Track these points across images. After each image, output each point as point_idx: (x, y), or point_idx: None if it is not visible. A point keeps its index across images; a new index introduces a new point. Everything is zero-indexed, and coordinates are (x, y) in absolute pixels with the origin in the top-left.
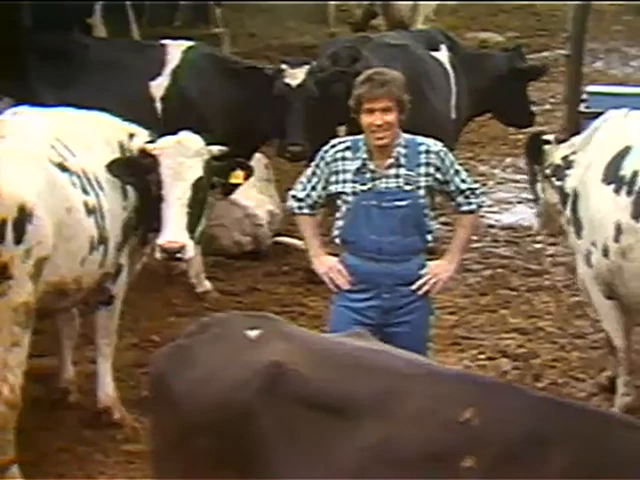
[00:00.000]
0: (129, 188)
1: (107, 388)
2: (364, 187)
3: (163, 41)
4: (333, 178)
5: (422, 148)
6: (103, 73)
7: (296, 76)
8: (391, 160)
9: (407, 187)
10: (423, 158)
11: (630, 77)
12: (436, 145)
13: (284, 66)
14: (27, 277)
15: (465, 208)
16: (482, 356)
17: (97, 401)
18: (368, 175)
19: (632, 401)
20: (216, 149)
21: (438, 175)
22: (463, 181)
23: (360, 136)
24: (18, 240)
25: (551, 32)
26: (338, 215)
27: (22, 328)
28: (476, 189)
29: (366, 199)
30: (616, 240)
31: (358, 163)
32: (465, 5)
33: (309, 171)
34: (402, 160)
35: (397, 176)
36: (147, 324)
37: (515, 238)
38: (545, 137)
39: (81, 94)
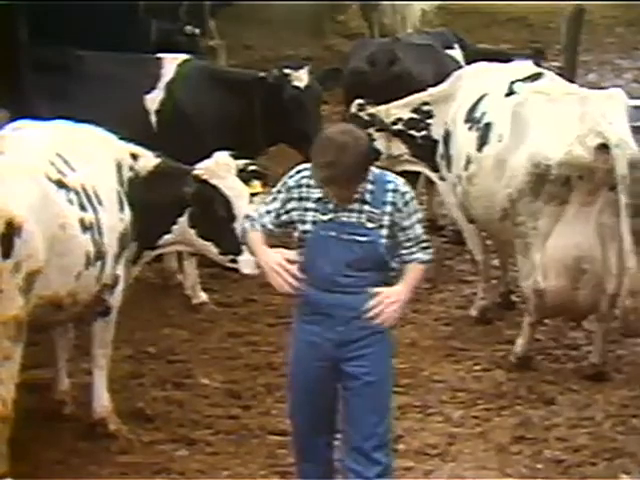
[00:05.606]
0: (124, 200)
1: (102, 400)
2: (324, 217)
3: (159, 54)
4: (294, 204)
5: (390, 186)
6: (99, 86)
7: (301, 78)
8: (356, 195)
9: (369, 224)
10: (390, 197)
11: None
12: (404, 186)
13: (288, 70)
14: (17, 291)
15: (424, 258)
16: (477, 367)
17: (92, 413)
18: (330, 205)
19: (487, 304)
20: (241, 163)
21: (398, 218)
22: (422, 231)
23: None
24: (6, 254)
25: (544, 44)
26: (298, 244)
27: (13, 342)
28: (430, 241)
29: (325, 229)
30: (466, 169)
31: (321, 192)
32: (459, 17)
33: (270, 196)
34: (367, 196)
35: (360, 212)
36: (142, 335)
37: None
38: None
39: (77, 107)
